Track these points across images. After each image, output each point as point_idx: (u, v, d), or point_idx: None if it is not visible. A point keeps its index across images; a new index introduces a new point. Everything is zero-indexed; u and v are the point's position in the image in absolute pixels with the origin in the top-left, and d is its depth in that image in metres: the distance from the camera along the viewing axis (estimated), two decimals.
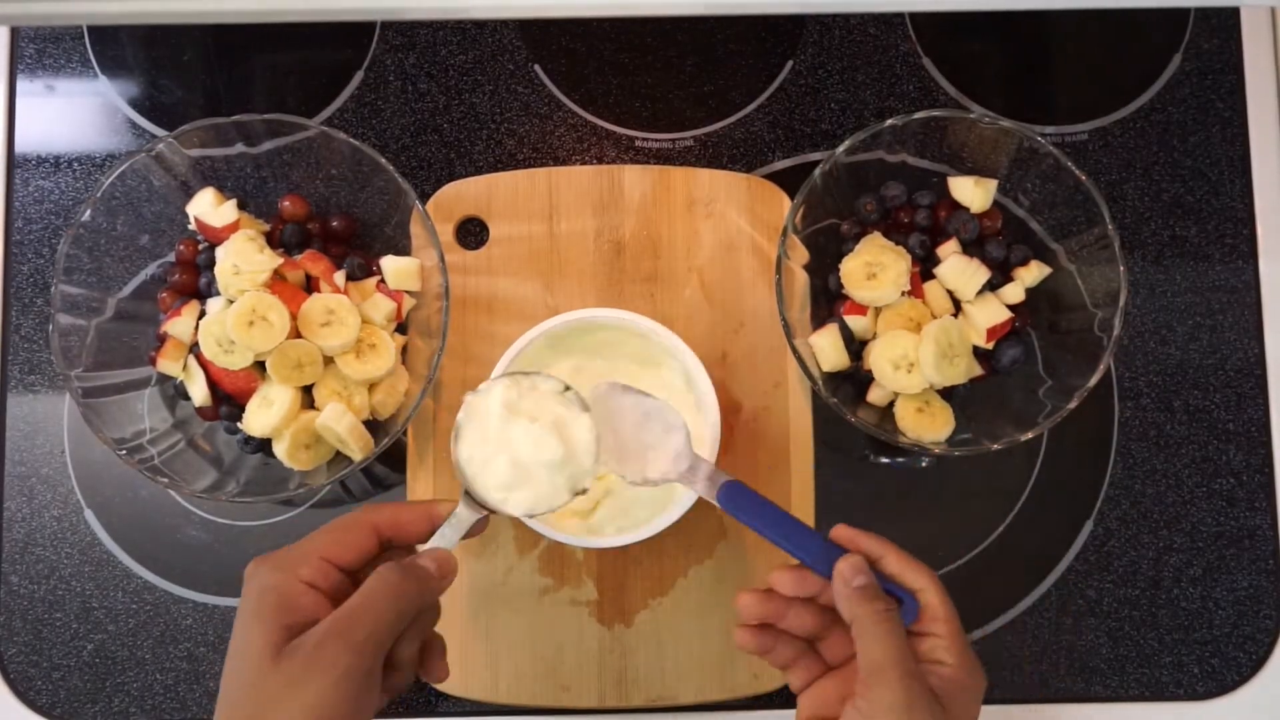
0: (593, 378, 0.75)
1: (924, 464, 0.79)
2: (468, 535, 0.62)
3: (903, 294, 0.73)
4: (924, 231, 0.75)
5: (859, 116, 0.82)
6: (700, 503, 0.71)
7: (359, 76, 0.83)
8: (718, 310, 0.78)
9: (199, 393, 0.74)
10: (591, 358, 0.75)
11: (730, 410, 0.76)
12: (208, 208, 0.75)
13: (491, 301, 0.78)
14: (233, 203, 0.75)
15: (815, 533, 0.62)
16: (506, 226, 0.78)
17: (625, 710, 0.74)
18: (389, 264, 0.75)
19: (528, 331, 0.72)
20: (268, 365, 0.72)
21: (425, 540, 0.61)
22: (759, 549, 0.75)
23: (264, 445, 0.74)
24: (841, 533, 0.62)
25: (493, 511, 0.62)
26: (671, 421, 0.66)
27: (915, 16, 0.84)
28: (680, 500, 0.71)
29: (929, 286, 0.74)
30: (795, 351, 0.71)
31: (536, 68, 0.83)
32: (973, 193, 0.74)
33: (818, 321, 0.76)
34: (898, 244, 0.75)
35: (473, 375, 0.76)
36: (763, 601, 0.62)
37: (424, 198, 0.78)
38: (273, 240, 0.76)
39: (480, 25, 0.84)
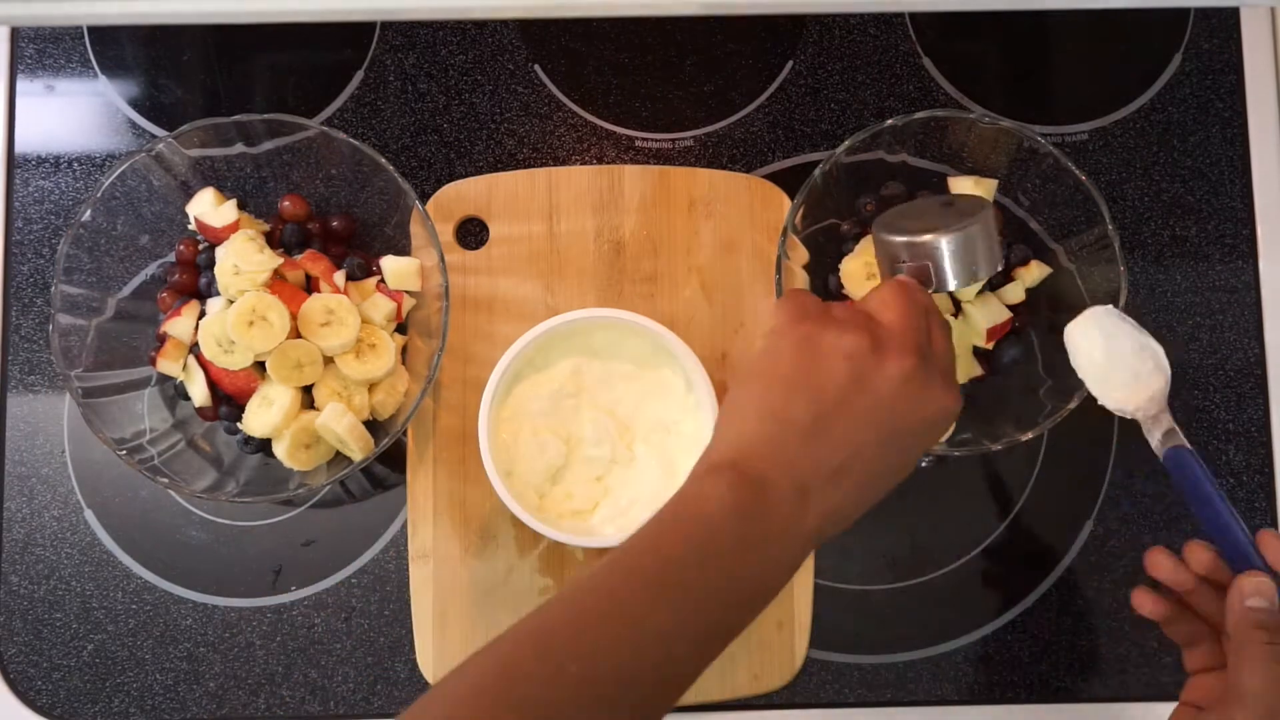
0: (593, 378, 0.75)
1: (924, 464, 0.79)
2: None
3: None
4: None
5: (859, 116, 0.82)
6: None
7: (359, 76, 0.83)
8: (718, 310, 0.78)
9: (199, 393, 0.74)
10: (591, 358, 0.75)
11: None
12: (208, 208, 0.75)
13: (491, 301, 0.78)
14: (233, 203, 0.75)
15: (1244, 530, 0.60)
16: (506, 226, 0.78)
17: None
18: (389, 264, 0.75)
19: (528, 332, 0.72)
20: (268, 365, 0.72)
21: None
22: None
23: (264, 445, 0.74)
24: (1267, 540, 0.60)
25: None
26: (1162, 364, 0.64)
27: (915, 16, 0.84)
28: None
29: None
30: None
31: (536, 68, 0.83)
32: (973, 193, 0.74)
33: None
34: None
35: (473, 375, 0.76)
36: (1176, 567, 0.61)
37: (424, 198, 0.78)
38: (273, 240, 0.76)
39: (480, 25, 0.84)
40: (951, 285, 0.66)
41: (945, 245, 0.65)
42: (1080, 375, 0.65)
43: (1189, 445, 0.62)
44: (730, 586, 0.54)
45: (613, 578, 0.53)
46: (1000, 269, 0.69)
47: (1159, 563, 0.61)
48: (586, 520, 0.73)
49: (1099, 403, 0.65)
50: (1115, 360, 0.64)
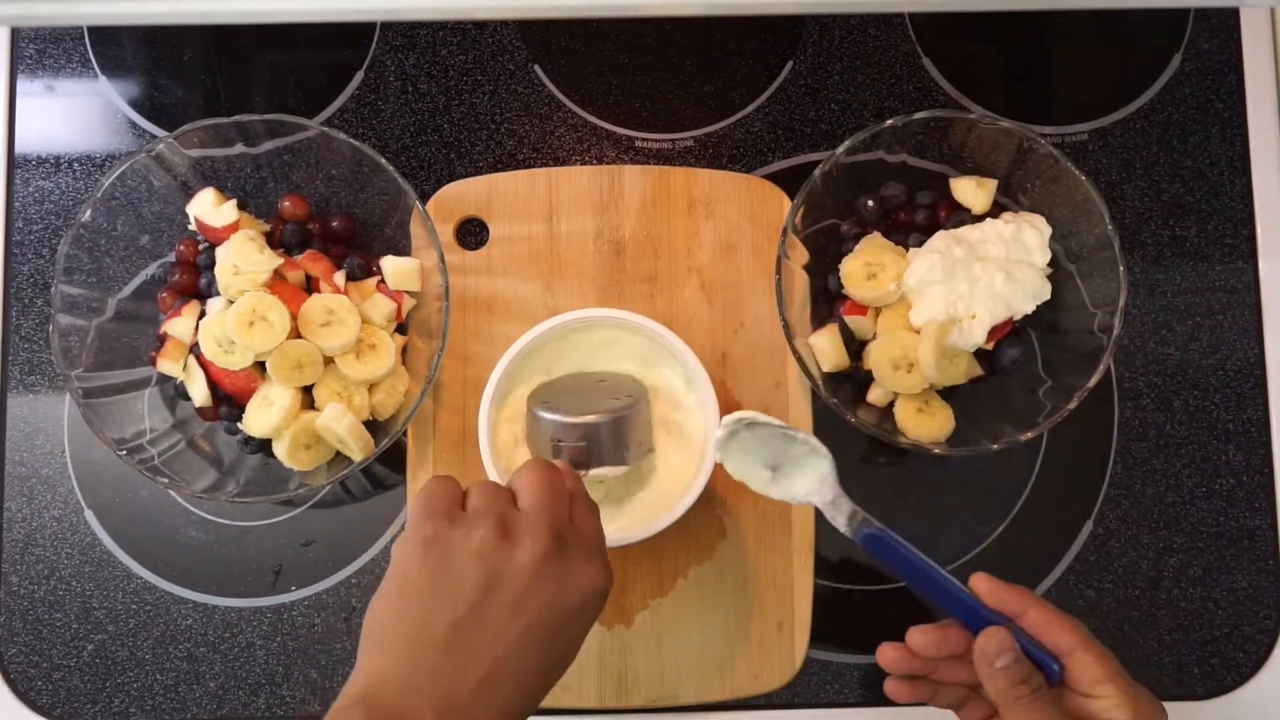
0: (593, 379, 0.75)
1: (924, 464, 0.79)
2: None
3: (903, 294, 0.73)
4: (924, 231, 0.75)
5: (859, 116, 0.82)
6: (699, 503, 0.71)
7: (359, 76, 0.83)
8: (718, 310, 0.78)
9: (199, 393, 0.74)
10: (591, 358, 0.75)
11: (730, 411, 0.76)
12: (208, 208, 0.75)
13: (491, 302, 0.78)
14: (233, 203, 0.75)
15: (960, 588, 0.61)
16: (506, 227, 0.78)
17: (625, 710, 0.74)
18: (389, 264, 0.75)
19: (527, 332, 0.72)
20: (268, 365, 0.72)
21: None
22: (760, 549, 0.75)
23: (264, 445, 0.74)
24: (981, 586, 0.60)
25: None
26: (817, 448, 0.64)
27: (915, 16, 0.84)
28: (682, 500, 0.71)
29: None
30: (795, 352, 0.71)
31: (536, 68, 0.83)
32: (974, 194, 0.74)
33: (818, 321, 0.76)
34: (898, 244, 0.75)
35: (472, 375, 0.76)
36: (908, 657, 0.61)
37: (424, 198, 0.78)
38: (273, 240, 0.76)
39: (480, 25, 0.84)
40: (604, 467, 0.68)
41: (603, 427, 0.68)
42: (745, 483, 0.65)
43: (878, 524, 0.62)
44: None
45: None
46: (651, 451, 0.72)
47: (891, 659, 0.61)
48: None
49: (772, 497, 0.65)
50: (765, 462, 0.65)
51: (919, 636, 0.60)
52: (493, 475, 0.71)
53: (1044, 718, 0.57)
